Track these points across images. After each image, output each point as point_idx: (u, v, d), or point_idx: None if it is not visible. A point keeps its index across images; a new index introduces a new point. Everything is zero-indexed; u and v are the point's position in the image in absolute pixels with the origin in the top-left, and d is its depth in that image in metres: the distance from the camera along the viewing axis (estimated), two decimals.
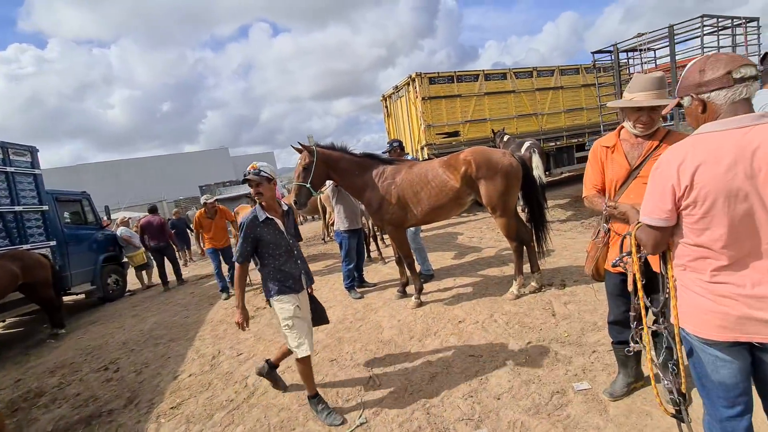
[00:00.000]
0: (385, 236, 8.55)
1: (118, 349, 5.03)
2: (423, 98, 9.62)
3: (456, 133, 10.10)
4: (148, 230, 8.36)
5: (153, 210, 9.04)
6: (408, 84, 10.08)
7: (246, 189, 22.57)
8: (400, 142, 5.38)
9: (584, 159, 11.99)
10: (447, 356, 3.41)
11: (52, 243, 6.91)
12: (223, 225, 6.71)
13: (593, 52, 8.54)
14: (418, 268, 4.96)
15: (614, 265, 1.77)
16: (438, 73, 9.84)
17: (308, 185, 4.24)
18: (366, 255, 6.50)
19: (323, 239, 10.58)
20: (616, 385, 2.52)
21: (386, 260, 6.83)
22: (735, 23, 7.56)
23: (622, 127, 2.28)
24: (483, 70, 10.33)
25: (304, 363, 2.76)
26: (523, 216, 4.91)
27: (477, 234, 7.84)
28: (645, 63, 8.99)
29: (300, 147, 4.29)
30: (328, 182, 5.17)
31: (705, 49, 7.03)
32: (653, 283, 1.84)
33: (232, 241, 7.32)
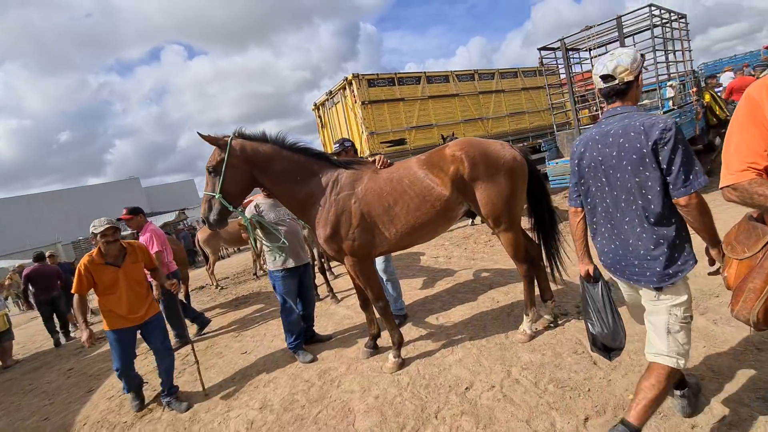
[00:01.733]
0: (335, 266, 7.10)
1: None
2: (363, 102, 8.47)
3: (402, 141, 9.07)
4: (36, 281, 7.11)
5: (40, 257, 7.64)
6: (344, 88, 8.89)
7: (166, 218, 19.54)
8: (352, 143, 4.09)
9: (536, 163, 11.66)
10: None
11: None
12: (141, 276, 3.45)
13: (539, 49, 8.06)
14: None
15: None
16: (377, 74, 8.79)
17: (218, 195, 2.84)
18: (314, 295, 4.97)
19: (255, 273, 8.81)
20: None
21: (339, 297, 5.39)
22: (672, 18, 7.51)
23: None
24: (425, 72, 9.51)
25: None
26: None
27: (442, 252, 6.72)
28: (583, 63, 8.80)
29: (206, 138, 2.89)
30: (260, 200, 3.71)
31: (656, 41, 6.77)
32: None
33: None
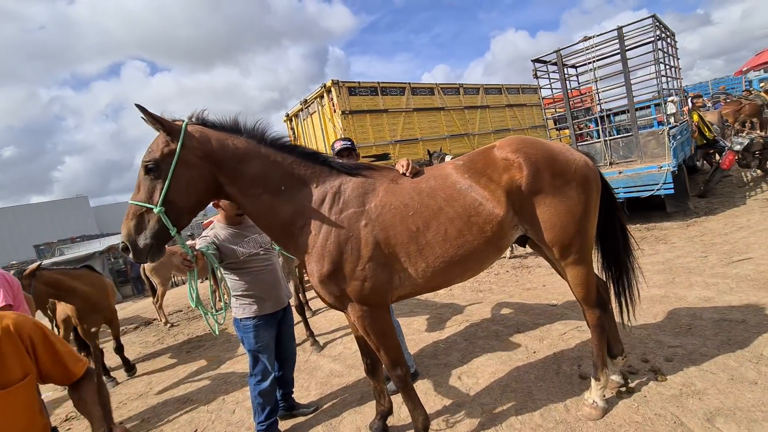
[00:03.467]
0: (312, 298, 6.01)
1: None
2: (343, 112, 7.61)
3: (386, 156, 8.24)
4: None
5: None
6: (322, 96, 8.02)
7: (111, 241, 17.34)
8: (353, 143, 3.19)
9: None
10: None
11: None
12: (23, 418, 1.31)
13: (533, 60, 7.58)
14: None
15: None
16: (359, 82, 8.00)
17: (158, 209, 1.81)
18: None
19: (213, 306, 7.50)
20: None
21: (322, 343, 4.32)
22: (668, 33, 7.27)
23: None
24: (409, 83, 8.84)
25: None
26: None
27: None
28: (570, 79, 8.41)
29: (150, 116, 1.85)
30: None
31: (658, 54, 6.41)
32: None
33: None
